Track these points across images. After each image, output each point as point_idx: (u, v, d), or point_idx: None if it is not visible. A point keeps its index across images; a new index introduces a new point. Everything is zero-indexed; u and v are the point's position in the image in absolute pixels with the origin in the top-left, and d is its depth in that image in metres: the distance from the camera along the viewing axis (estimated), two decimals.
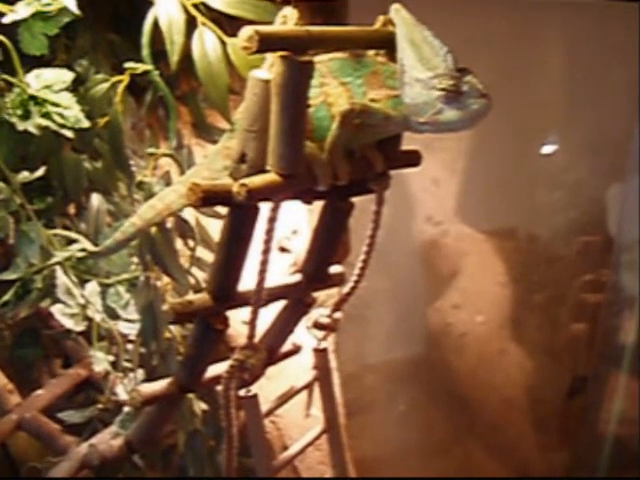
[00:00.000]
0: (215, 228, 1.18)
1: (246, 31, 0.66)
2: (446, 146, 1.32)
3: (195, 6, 0.89)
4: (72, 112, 0.89)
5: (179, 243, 1.16)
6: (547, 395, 1.62)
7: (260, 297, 0.81)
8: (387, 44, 0.78)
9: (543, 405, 1.62)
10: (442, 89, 0.71)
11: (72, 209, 1.14)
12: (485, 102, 0.71)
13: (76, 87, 1.02)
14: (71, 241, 1.05)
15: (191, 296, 0.83)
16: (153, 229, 0.93)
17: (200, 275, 1.11)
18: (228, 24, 0.93)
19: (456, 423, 1.61)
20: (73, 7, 0.83)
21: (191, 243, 1.08)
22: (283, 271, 1.27)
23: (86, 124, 0.89)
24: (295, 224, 1.32)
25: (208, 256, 1.11)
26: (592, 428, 1.59)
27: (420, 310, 1.38)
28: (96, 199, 1.09)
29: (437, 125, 0.73)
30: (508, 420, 1.59)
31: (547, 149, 1.48)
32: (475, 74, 0.71)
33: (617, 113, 1.40)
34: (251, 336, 0.83)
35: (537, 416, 1.62)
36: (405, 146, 0.85)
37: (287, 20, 0.73)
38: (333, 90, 0.76)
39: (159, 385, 0.90)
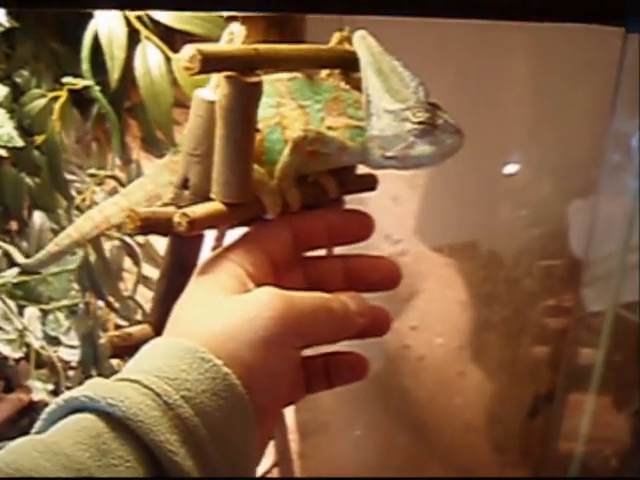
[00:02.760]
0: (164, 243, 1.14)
1: (188, 50, 0.61)
2: None
3: (139, 18, 0.83)
4: (5, 130, 0.83)
5: (128, 262, 1.11)
6: (508, 416, 1.59)
7: None
8: (342, 63, 0.74)
9: (504, 426, 1.60)
10: (418, 122, 0.66)
11: (14, 226, 1.10)
12: (459, 138, 0.66)
13: (17, 98, 0.97)
14: (11, 264, 1.00)
15: (131, 328, 0.78)
16: (92, 257, 0.87)
17: (149, 295, 1.07)
18: (180, 39, 0.88)
19: (413, 446, 1.57)
20: (2, 19, 0.77)
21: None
22: None
23: (20, 143, 0.84)
24: None
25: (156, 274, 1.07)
26: (553, 447, 1.57)
27: None
28: (38, 217, 1.04)
29: (406, 160, 0.68)
30: (468, 443, 1.56)
31: (510, 168, 1.46)
32: (445, 110, 0.67)
33: (581, 133, 1.38)
34: None
35: (498, 437, 1.59)
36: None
37: (234, 37, 0.68)
38: (290, 112, 0.71)
39: None
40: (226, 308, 0.57)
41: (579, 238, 1.43)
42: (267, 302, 0.56)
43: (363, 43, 0.71)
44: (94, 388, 0.50)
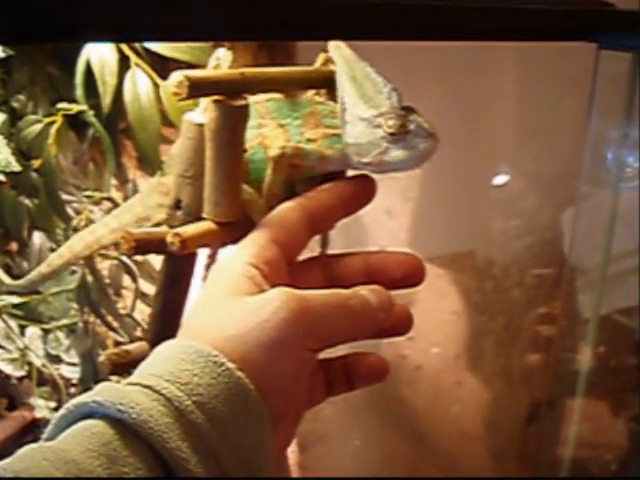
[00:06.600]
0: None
1: (175, 76, 0.63)
2: (398, 175, 1.30)
3: (129, 45, 0.86)
4: (3, 156, 0.85)
5: (128, 279, 1.13)
6: (506, 424, 1.60)
7: None
8: (328, 83, 0.75)
9: (502, 434, 1.61)
10: (390, 128, 0.67)
11: (14, 246, 1.12)
12: (432, 142, 0.66)
13: (14, 122, 1.00)
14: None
15: (129, 346, 0.80)
16: (90, 277, 0.90)
17: (147, 311, 1.08)
18: (173, 64, 0.90)
19: (412, 456, 1.59)
20: None
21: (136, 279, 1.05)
22: None
23: (17, 168, 0.86)
24: None
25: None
26: (552, 454, 1.58)
27: (374, 342, 1.35)
28: (38, 237, 1.06)
29: (382, 165, 0.68)
30: (466, 451, 1.57)
31: (499, 179, 1.48)
32: (420, 113, 0.67)
33: (567, 143, 1.40)
34: None
35: (496, 445, 1.60)
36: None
37: (221, 62, 0.70)
38: (271, 132, 0.73)
39: None
40: (239, 310, 0.55)
41: (569, 246, 1.45)
42: (281, 303, 0.54)
43: (337, 52, 0.72)
44: (104, 393, 0.49)
